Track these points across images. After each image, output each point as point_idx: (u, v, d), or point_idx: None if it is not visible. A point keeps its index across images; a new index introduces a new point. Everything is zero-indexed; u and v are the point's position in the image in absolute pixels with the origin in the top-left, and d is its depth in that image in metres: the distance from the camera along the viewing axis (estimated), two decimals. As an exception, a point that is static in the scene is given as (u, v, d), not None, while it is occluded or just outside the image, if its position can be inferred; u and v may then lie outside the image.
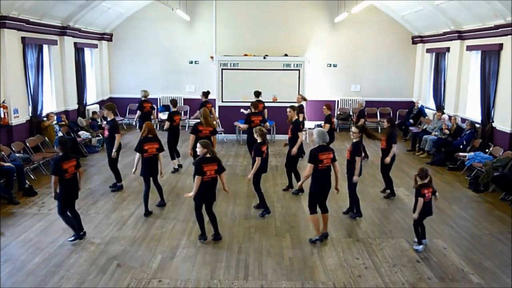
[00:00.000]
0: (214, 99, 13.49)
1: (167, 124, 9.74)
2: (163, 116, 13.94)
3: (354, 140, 7.17)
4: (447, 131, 11.20)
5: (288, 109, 8.74)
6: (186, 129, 14.10)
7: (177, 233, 6.58)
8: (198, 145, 6.06)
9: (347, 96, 15.67)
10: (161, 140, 7.65)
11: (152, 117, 11.37)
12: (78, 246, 6.12)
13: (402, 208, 7.72)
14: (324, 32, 15.38)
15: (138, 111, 11.45)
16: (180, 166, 10.10)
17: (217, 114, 13.38)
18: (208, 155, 6.01)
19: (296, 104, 10.32)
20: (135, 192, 8.32)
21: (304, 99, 11.32)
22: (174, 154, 9.93)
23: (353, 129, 7.26)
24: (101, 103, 14.77)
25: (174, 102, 10.08)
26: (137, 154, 7.29)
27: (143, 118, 10.86)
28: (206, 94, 11.13)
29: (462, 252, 6.08)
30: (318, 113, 14.39)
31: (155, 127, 8.38)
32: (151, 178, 7.36)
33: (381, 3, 14.54)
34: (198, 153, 6.10)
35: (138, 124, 11.63)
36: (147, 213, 7.29)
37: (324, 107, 10.15)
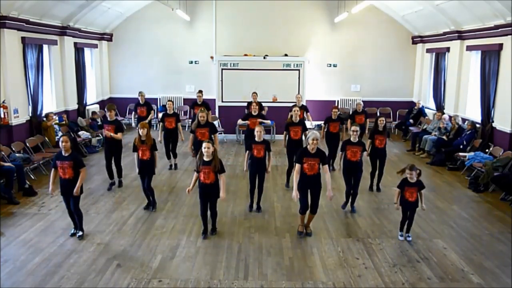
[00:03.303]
0: (214, 99, 13.52)
1: (160, 127, 9.84)
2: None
3: (356, 140, 7.19)
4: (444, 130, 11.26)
5: (295, 109, 8.67)
6: (186, 129, 14.09)
7: (177, 233, 6.58)
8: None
9: (347, 96, 15.68)
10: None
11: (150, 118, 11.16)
12: (78, 246, 6.12)
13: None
14: (324, 32, 15.38)
15: (133, 112, 11.42)
16: (174, 166, 10.13)
17: (217, 114, 13.42)
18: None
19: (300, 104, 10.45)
20: (135, 192, 8.32)
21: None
22: (170, 154, 10.01)
23: (353, 127, 7.24)
24: (101, 103, 14.79)
25: (167, 104, 10.02)
26: (135, 154, 7.39)
27: (140, 121, 10.64)
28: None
29: (462, 252, 6.08)
30: (316, 113, 14.41)
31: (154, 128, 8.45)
32: (146, 178, 7.30)
33: (381, 3, 14.54)
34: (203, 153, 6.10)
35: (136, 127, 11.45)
36: (149, 204, 7.48)
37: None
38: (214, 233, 6.50)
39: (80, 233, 6.38)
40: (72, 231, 6.44)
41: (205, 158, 6.08)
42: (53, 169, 6.26)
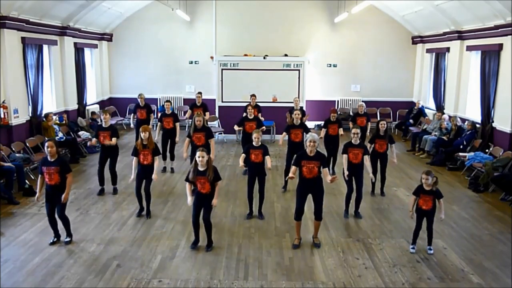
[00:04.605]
0: (214, 99, 13.53)
1: (158, 126, 9.81)
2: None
3: (357, 142, 7.16)
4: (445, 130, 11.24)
5: (296, 112, 8.61)
6: (186, 128, 14.09)
7: (177, 233, 6.58)
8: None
9: (347, 96, 15.67)
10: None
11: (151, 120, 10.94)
12: (78, 246, 6.12)
13: (402, 208, 7.72)
14: (324, 32, 15.38)
15: (132, 114, 11.22)
16: (171, 170, 9.99)
17: (217, 114, 13.42)
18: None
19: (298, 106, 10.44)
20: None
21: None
22: (167, 155, 9.88)
23: (354, 130, 7.21)
24: (101, 103, 14.80)
25: (165, 103, 10.02)
26: (134, 158, 7.12)
27: (139, 123, 10.41)
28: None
29: (462, 252, 6.09)
30: (316, 114, 14.41)
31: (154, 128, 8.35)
32: (144, 182, 7.10)
33: (381, 3, 14.55)
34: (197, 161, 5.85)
35: (135, 129, 11.05)
36: (141, 211, 7.27)
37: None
38: (210, 249, 6.02)
39: (68, 238, 6.21)
40: (52, 240, 6.18)
41: (199, 168, 5.82)
42: (40, 176, 6.05)
